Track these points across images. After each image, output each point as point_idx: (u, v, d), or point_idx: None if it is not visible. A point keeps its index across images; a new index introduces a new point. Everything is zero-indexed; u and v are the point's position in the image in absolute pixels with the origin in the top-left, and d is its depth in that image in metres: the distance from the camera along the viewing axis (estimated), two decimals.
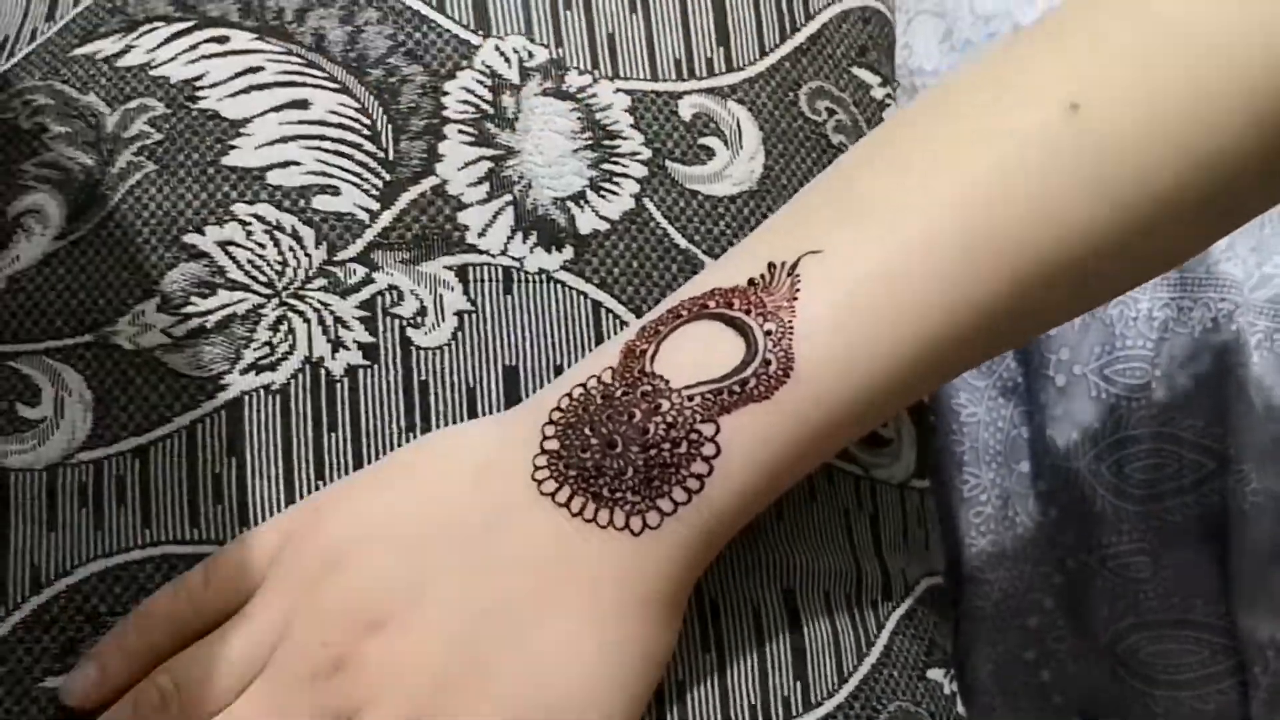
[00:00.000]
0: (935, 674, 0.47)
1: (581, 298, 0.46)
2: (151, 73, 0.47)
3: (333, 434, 0.44)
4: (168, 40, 0.47)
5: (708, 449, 0.41)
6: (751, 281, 0.42)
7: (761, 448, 0.41)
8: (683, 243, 0.47)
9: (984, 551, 0.65)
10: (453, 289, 0.46)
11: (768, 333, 0.41)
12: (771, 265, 0.42)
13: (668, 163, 0.48)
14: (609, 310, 0.47)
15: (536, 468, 0.41)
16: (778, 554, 0.46)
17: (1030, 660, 0.66)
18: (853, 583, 0.46)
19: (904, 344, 0.41)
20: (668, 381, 0.42)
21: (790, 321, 0.41)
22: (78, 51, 0.48)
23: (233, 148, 0.46)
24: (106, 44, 0.48)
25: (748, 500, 0.42)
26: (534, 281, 0.46)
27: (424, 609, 0.40)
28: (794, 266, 0.42)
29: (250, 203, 0.46)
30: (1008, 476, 0.65)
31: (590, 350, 0.46)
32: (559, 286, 0.46)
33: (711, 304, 0.42)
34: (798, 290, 0.42)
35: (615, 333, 0.46)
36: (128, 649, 0.42)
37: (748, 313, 0.42)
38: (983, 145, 0.42)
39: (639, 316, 0.46)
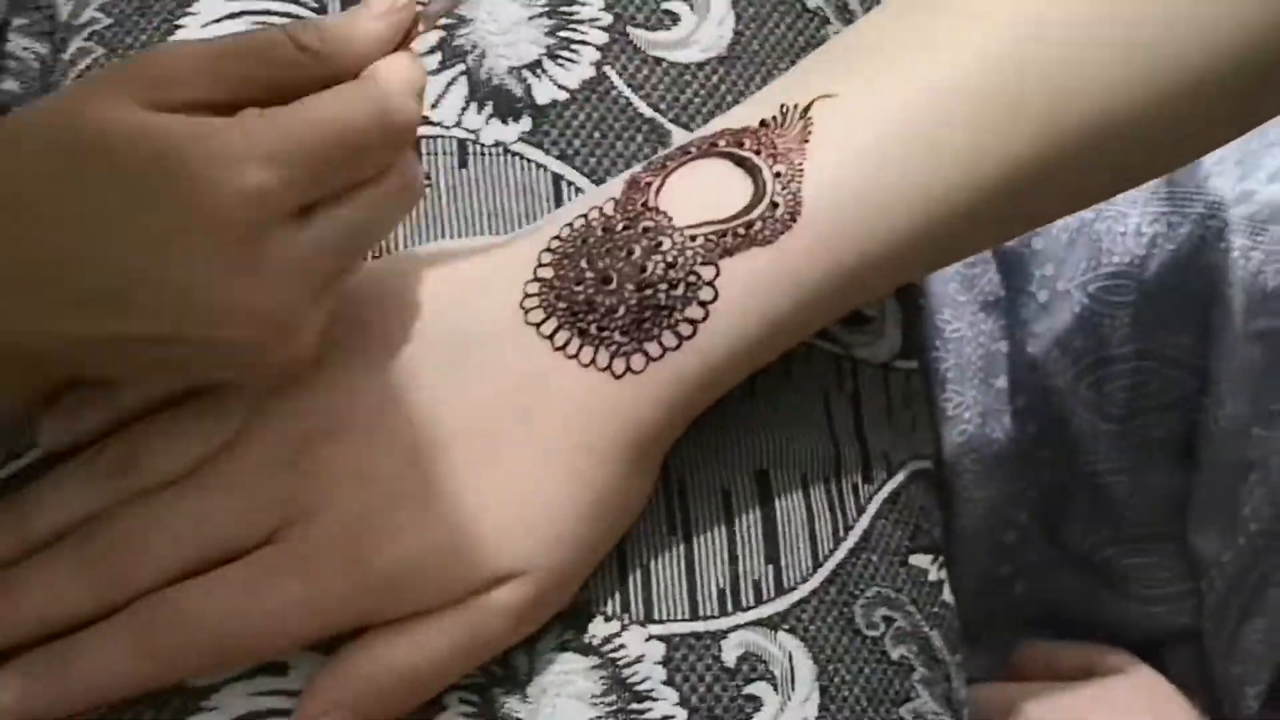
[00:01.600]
0: (919, 559, 0.45)
1: (541, 170, 0.44)
2: None
3: None
4: None
5: (705, 293, 0.39)
6: (763, 123, 0.41)
7: (760, 295, 0.40)
8: (648, 111, 0.45)
9: (966, 470, 0.65)
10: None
11: (776, 174, 0.40)
12: (784, 107, 0.41)
13: (629, 29, 0.46)
14: (570, 183, 0.44)
15: (526, 295, 0.40)
16: (750, 434, 0.44)
17: (1006, 575, 0.65)
18: (831, 464, 0.44)
19: (917, 196, 0.40)
20: (670, 219, 0.40)
21: (800, 164, 0.40)
22: None
23: (179, 27, 0.45)
24: None
25: (739, 352, 0.40)
26: (490, 154, 0.44)
27: (385, 419, 0.39)
28: (807, 109, 0.41)
29: None
30: (986, 392, 0.64)
31: None
32: (517, 159, 0.44)
33: (721, 143, 0.41)
34: (809, 133, 0.40)
35: None
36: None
37: (757, 153, 0.41)
38: (1014, 3, 0.41)
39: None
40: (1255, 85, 0.42)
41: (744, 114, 0.42)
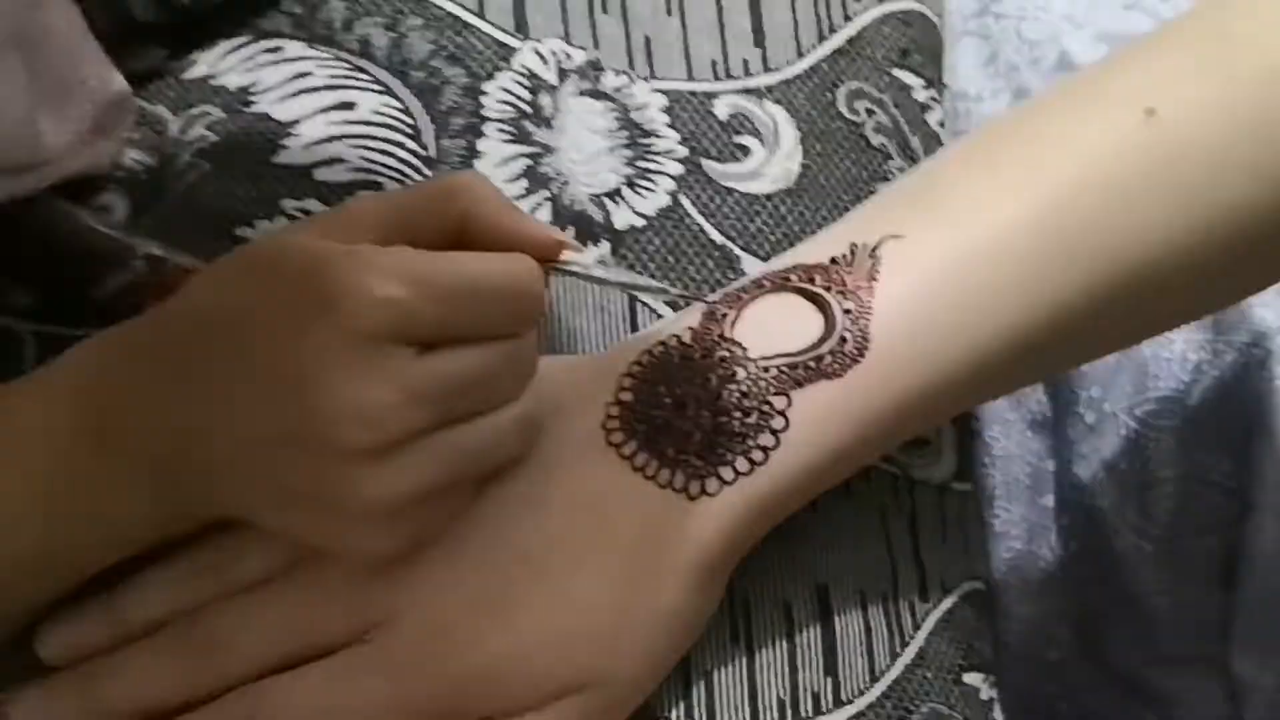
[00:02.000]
0: (972, 678, 0.45)
1: (617, 292, 0.46)
2: (212, 83, 0.48)
3: None
4: (227, 54, 0.49)
5: (777, 422, 0.41)
6: (833, 260, 0.42)
7: (828, 426, 0.41)
8: (719, 238, 0.47)
9: (1012, 587, 0.65)
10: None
11: (846, 311, 0.41)
12: (853, 246, 0.42)
13: (703, 161, 0.48)
14: (644, 304, 0.46)
15: (609, 416, 0.41)
16: (812, 550, 0.45)
17: (1049, 693, 0.65)
18: (889, 582, 0.45)
19: (976, 334, 0.41)
20: (745, 350, 0.41)
21: (869, 302, 0.41)
22: None
23: (282, 147, 0.47)
24: (177, 62, 0.49)
25: (807, 478, 0.41)
26: (570, 276, 0.45)
27: (470, 531, 0.39)
28: (875, 248, 0.42)
29: (298, 198, 0.46)
30: (1032, 510, 0.64)
31: None
32: (595, 281, 0.46)
33: (793, 278, 0.42)
34: (877, 271, 0.42)
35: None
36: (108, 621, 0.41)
37: (828, 289, 0.42)
38: (1064, 148, 0.42)
39: (675, 310, 0.46)
40: None
41: (815, 250, 0.43)
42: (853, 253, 0.42)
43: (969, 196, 0.43)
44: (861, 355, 0.41)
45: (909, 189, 0.45)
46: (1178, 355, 0.62)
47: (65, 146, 0.44)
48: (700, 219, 0.47)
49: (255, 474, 0.37)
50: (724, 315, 0.42)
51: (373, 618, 0.39)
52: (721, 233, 0.47)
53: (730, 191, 0.48)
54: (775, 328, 0.42)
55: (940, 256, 0.42)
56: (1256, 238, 0.43)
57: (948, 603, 0.46)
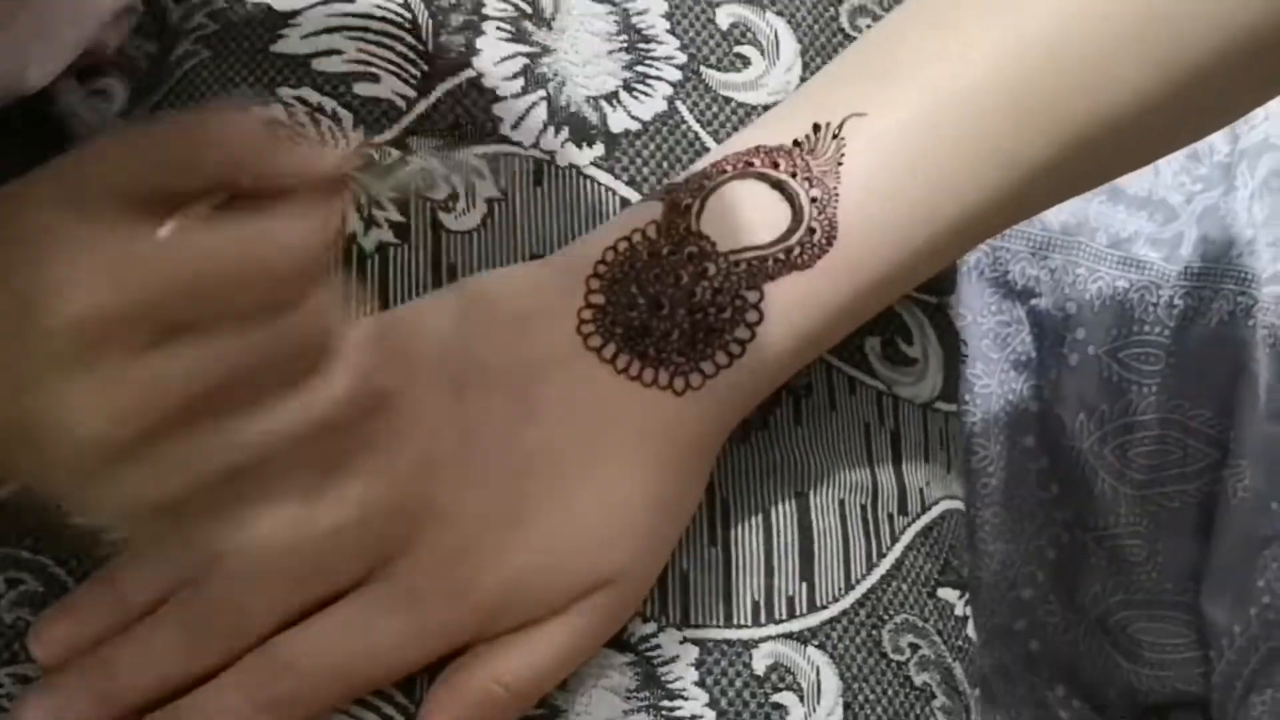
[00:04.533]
0: (947, 593, 0.45)
1: (610, 194, 0.46)
2: None
3: (360, 308, 0.43)
4: None
5: (751, 315, 0.41)
6: (796, 142, 0.42)
7: (802, 314, 0.41)
8: (714, 145, 0.46)
9: (987, 523, 0.65)
10: (484, 177, 0.45)
11: (813, 199, 0.41)
12: (816, 126, 0.42)
13: (702, 69, 0.48)
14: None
15: (582, 321, 0.41)
16: (792, 459, 0.44)
17: (1020, 630, 0.66)
18: (868, 494, 0.45)
19: (945, 206, 0.41)
20: (714, 244, 0.41)
21: (835, 188, 0.41)
22: None
23: (280, 36, 0.46)
24: None
25: (785, 364, 0.41)
26: (564, 175, 0.46)
27: (464, 454, 0.39)
28: (839, 128, 0.41)
29: (294, 86, 0.46)
30: (1012, 449, 0.65)
31: None
32: (588, 182, 0.46)
33: (756, 162, 0.42)
34: (843, 154, 0.41)
35: None
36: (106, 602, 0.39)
37: (793, 176, 0.41)
38: (1029, 5, 0.42)
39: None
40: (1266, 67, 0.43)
41: (776, 130, 0.42)
42: (816, 134, 0.42)
43: (933, 64, 0.42)
44: (830, 244, 0.41)
45: (870, 57, 0.44)
46: (1164, 301, 0.62)
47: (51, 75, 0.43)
48: (696, 126, 0.47)
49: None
50: (688, 207, 0.41)
51: (382, 555, 0.39)
52: (717, 141, 0.46)
53: (728, 101, 0.47)
54: (742, 219, 0.41)
55: (907, 133, 0.41)
56: (1220, 87, 0.43)
57: (926, 518, 0.46)
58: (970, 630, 0.46)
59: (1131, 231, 0.64)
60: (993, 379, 0.65)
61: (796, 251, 0.41)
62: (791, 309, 0.41)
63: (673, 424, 0.40)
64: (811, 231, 0.41)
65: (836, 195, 0.41)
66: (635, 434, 0.40)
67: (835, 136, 0.42)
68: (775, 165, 0.42)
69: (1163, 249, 0.64)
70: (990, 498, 0.64)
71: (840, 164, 0.41)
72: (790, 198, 0.41)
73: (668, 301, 0.41)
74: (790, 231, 0.41)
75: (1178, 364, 0.61)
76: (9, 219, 0.33)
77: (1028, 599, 0.65)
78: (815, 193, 0.41)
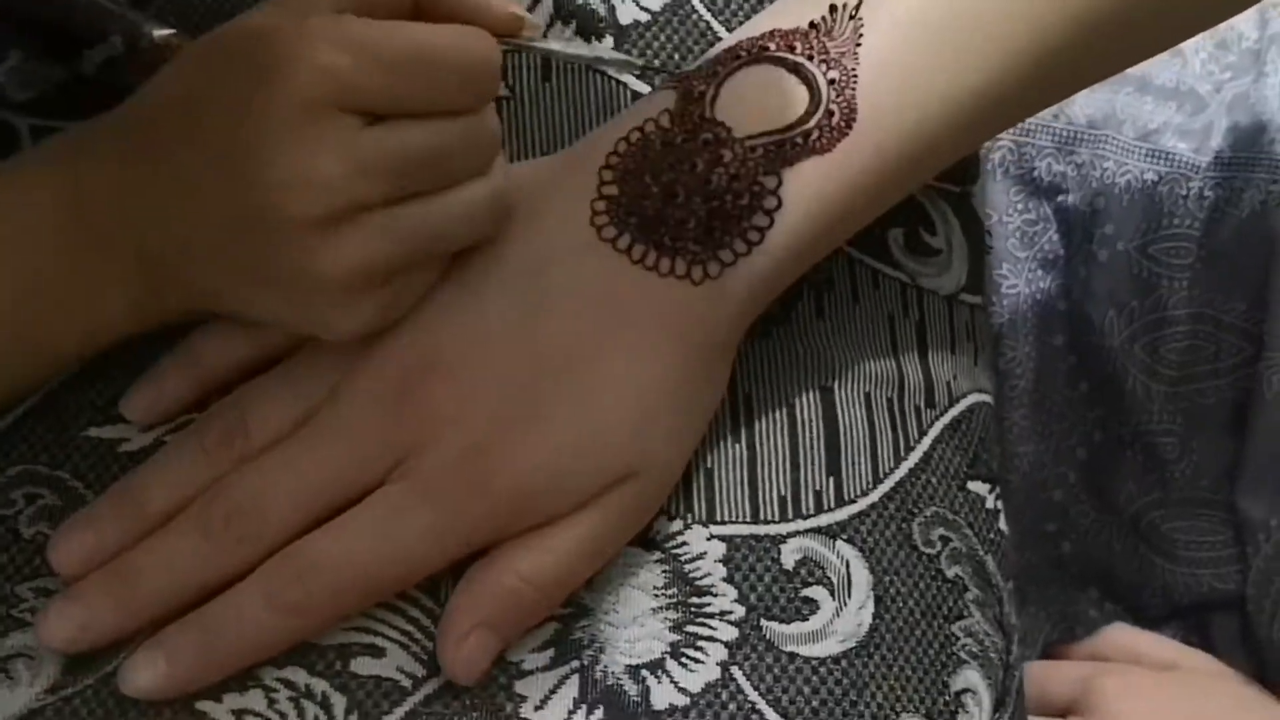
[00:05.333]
0: (977, 486, 0.44)
1: (621, 86, 0.44)
2: None
3: None
4: None
5: (769, 201, 0.40)
6: (812, 24, 0.41)
7: (821, 200, 0.40)
8: (724, 34, 0.45)
9: (1016, 425, 0.64)
10: None
11: (831, 81, 0.40)
12: (833, 7, 0.41)
13: None
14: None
15: (596, 212, 0.40)
16: (817, 353, 0.44)
17: (1052, 532, 0.65)
18: (895, 386, 0.44)
19: (963, 89, 0.40)
20: (729, 130, 0.40)
21: (854, 70, 0.40)
22: None
23: None
24: None
25: (805, 252, 0.41)
26: (572, 70, 0.44)
27: (477, 351, 0.39)
28: (856, 9, 0.40)
29: None
30: (1041, 349, 0.64)
31: None
32: (598, 75, 0.44)
33: (771, 46, 0.41)
34: (860, 35, 0.40)
35: None
36: (189, 372, 0.40)
37: (810, 59, 0.40)
38: None
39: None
40: None
41: (791, 12, 0.42)
42: (833, 15, 0.41)
43: None
44: (849, 127, 0.40)
45: None
46: (1194, 192, 0.61)
47: None
48: (708, 15, 0.45)
49: (218, 256, 0.36)
50: (702, 94, 0.40)
51: (399, 454, 0.38)
52: (729, 30, 0.45)
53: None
54: (757, 104, 0.40)
55: (925, 11, 0.40)
56: None
57: (955, 411, 0.45)
58: (1002, 524, 0.45)
59: (1160, 123, 0.63)
60: (1020, 278, 0.64)
61: (815, 135, 0.40)
62: (813, 194, 0.40)
63: (690, 314, 0.39)
64: (830, 114, 0.40)
65: (855, 77, 0.40)
66: (652, 324, 0.39)
67: (853, 17, 0.41)
68: (791, 48, 0.41)
69: (1192, 140, 0.62)
70: (1019, 399, 0.64)
71: (859, 45, 0.40)
72: (807, 80, 0.40)
73: (683, 190, 0.40)
74: (808, 115, 0.40)
75: (1209, 257, 0.61)
76: (241, 37, 0.37)
77: (1059, 500, 0.65)
78: (833, 75, 0.40)
